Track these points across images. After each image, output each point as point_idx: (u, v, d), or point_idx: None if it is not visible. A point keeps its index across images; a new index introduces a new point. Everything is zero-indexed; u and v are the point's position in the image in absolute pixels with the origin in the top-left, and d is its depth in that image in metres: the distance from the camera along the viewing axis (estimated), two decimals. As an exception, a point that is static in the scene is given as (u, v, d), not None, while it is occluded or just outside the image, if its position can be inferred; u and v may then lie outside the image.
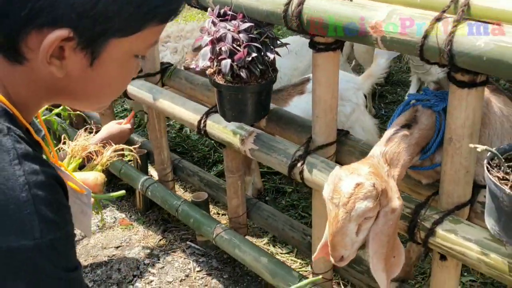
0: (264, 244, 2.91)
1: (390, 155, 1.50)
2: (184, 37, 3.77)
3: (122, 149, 1.58)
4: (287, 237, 2.49)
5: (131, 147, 1.61)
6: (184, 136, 4.14)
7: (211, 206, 3.10)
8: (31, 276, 0.72)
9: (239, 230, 2.60)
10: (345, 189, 1.38)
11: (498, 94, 1.79)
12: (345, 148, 1.95)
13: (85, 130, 1.53)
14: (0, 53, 0.80)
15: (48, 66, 0.79)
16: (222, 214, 3.18)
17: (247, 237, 2.70)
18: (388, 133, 1.56)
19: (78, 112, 2.62)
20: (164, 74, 2.69)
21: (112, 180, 3.52)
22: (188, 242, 2.97)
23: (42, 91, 0.84)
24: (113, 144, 1.54)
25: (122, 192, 1.52)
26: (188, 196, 3.27)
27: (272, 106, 2.17)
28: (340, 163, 1.90)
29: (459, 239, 1.48)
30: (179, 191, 3.40)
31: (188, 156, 3.84)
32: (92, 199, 1.40)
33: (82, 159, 1.49)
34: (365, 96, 3.03)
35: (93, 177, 1.41)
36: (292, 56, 3.35)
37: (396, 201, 1.42)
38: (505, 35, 1.21)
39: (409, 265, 2.20)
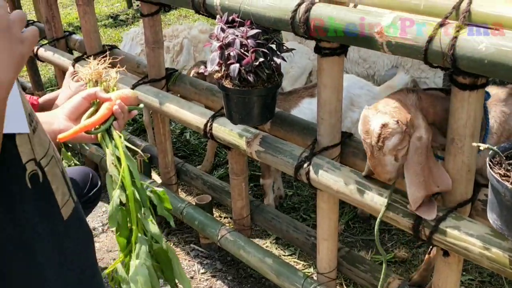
0: (267, 246, 2.96)
1: (422, 94, 1.64)
2: (176, 36, 3.83)
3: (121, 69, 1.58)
4: (291, 239, 2.55)
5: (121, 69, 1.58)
6: (184, 141, 4.20)
7: (214, 209, 3.15)
8: None
9: (243, 232, 2.65)
10: (373, 130, 1.55)
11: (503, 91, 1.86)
12: (350, 149, 2.01)
13: (94, 58, 1.56)
14: None
15: None
16: (225, 217, 3.23)
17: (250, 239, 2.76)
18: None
19: None
20: (169, 80, 2.75)
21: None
22: (192, 245, 3.02)
23: None
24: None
25: (142, 106, 1.53)
26: (191, 199, 3.32)
27: (277, 109, 2.23)
28: (345, 164, 1.97)
29: (462, 235, 1.54)
30: (182, 194, 3.45)
31: (189, 161, 3.89)
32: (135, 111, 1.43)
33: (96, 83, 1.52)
34: None
35: (132, 92, 1.46)
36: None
37: (421, 130, 1.56)
38: (505, 38, 1.29)
39: (428, 270, 2.26)
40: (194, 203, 2.91)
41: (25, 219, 0.83)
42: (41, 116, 1.16)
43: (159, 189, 1.39)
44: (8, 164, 0.86)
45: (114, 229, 1.28)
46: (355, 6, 1.70)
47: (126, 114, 1.38)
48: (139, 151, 1.43)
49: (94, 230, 3.28)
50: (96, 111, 1.36)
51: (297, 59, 3.56)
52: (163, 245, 1.27)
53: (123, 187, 1.23)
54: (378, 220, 1.71)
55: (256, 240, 2.95)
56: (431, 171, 1.58)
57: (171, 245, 3.02)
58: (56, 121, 1.30)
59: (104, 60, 1.51)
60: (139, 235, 1.23)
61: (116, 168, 1.25)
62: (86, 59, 3.09)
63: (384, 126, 1.53)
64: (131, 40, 4.00)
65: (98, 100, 1.38)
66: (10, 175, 0.87)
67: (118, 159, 1.26)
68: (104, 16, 7.64)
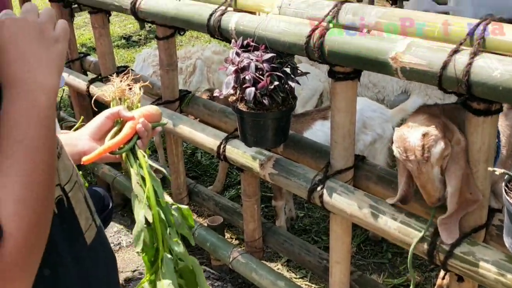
0: (278, 268, 2.95)
1: (443, 107, 1.65)
2: (189, 58, 3.88)
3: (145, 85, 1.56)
4: (303, 261, 2.54)
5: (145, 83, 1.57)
6: (195, 161, 4.22)
7: (225, 231, 3.15)
8: None
9: (255, 254, 2.65)
10: (415, 143, 1.52)
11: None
12: (362, 173, 2.02)
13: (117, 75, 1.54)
14: None
15: None
16: (236, 239, 3.23)
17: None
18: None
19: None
20: (183, 101, 2.79)
21: (127, 205, 3.60)
22: (203, 266, 3.01)
23: None
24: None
25: (165, 122, 1.50)
26: (203, 220, 3.33)
27: (290, 131, 2.25)
28: (358, 187, 1.97)
29: (477, 260, 1.54)
30: (194, 215, 3.46)
31: (201, 181, 3.91)
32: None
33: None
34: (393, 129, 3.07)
35: (155, 108, 1.44)
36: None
37: (457, 133, 1.55)
38: (520, 67, 1.30)
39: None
40: (206, 225, 2.91)
41: (51, 244, 0.85)
42: (64, 138, 1.17)
43: (184, 206, 1.38)
44: None
45: (130, 249, 1.29)
46: (368, 31, 1.72)
47: (150, 132, 1.36)
48: (164, 170, 1.40)
49: (105, 250, 3.29)
50: (119, 130, 1.34)
51: (308, 82, 3.59)
52: (188, 263, 1.27)
53: (148, 207, 1.23)
54: (410, 252, 1.67)
55: (267, 263, 2.94)
56: (468, 177, 1.56)
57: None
58: (80, 142, 1.30)
59: (127, 77, 1.50)
60: (165, 254, 1.23)
61: (141, 187, 1.26)
62: (103, 79, 3.14)
63: (425, 135, 1.51)
64: (143, 61, 4.06)
65: (121, 119, 1.36)
66: None
67: (143, 178, 1.26)
68: (117, 37, 7.74)
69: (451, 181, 1.53)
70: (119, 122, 1.36)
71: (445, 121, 1.54)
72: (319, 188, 1.95)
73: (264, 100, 1.87)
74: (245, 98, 1.89)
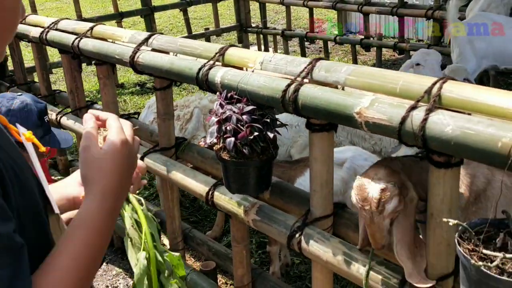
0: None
1: (403, 161, 1.73)
2: (187, 106, 4.04)
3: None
4: (290, 307, 2.57)
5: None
6: (197, 206, 4.31)
7: (219, 276, 3.20)
8: None
9: (244, 299, 2.69)
10: (373, 196, 1.62)
11: None
12: (342, 220, 2.08)
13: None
14: None
15: None
16: (231, 284, 3.27)
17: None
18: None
19: None
20: (179, 148, 2.90)
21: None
22: (196, 311, 3.05)
23: None
24: None
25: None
26: (199, 265, 3.38)
27: (276, 179, 2.33)
28: (337, 235, 2.03)
29: (442, 309, 1.58)
30: (190, 259, 3.52)
31: (201, 226, 3.98)
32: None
33: None
34: None
35: (142, 162, 1.44)
36: (292, 129, 3.62)
37: (412, 191, 1.65)
38: (470, 121, 1.38)
39: None
40: (199, 269, 2.97)
41: None
42: (54, 186, 1.26)
43: (176, 254, 1.42)
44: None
45: None
46: (343, 88, 1.82)
47: (140, 182, 1.41)
48: (151, 215, 1.46)
49: (102, 293, 3.35)
50: None
51: (304, 128, 3.70)
52: None
53: (143, 250, 1.23)
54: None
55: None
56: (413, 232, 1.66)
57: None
58: (69, 188, 1.33)
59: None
60: None
61: (136, 231, 1.26)
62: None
63: (383, 190, 1.61)
64: (148, 108, 4.23)
65: None
66: None
67: (137, 222, 1.27)
68: (132, 83, 8.01)
69: (398, 234, 1.62)
70: None
71: (404, 178, 1.64)
72: (297, 235, 2.02)
73: (244, 150, 1.97)
74: (226, 147, 1.99)
